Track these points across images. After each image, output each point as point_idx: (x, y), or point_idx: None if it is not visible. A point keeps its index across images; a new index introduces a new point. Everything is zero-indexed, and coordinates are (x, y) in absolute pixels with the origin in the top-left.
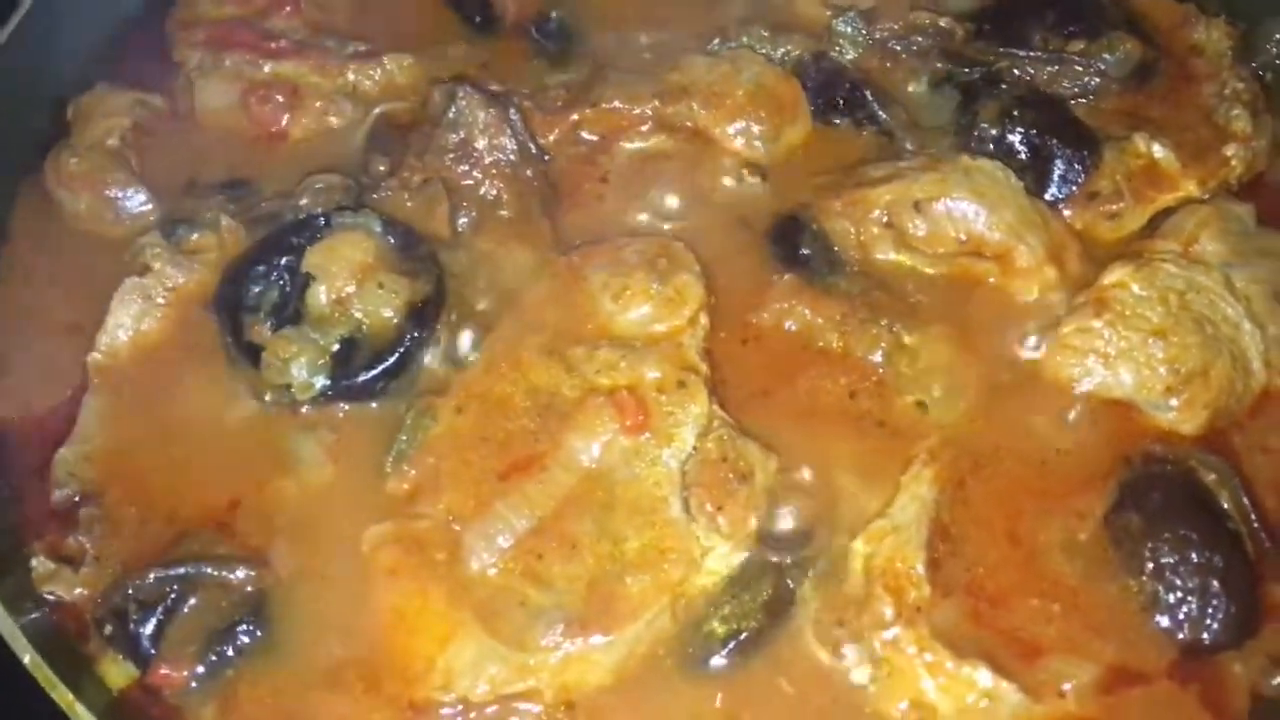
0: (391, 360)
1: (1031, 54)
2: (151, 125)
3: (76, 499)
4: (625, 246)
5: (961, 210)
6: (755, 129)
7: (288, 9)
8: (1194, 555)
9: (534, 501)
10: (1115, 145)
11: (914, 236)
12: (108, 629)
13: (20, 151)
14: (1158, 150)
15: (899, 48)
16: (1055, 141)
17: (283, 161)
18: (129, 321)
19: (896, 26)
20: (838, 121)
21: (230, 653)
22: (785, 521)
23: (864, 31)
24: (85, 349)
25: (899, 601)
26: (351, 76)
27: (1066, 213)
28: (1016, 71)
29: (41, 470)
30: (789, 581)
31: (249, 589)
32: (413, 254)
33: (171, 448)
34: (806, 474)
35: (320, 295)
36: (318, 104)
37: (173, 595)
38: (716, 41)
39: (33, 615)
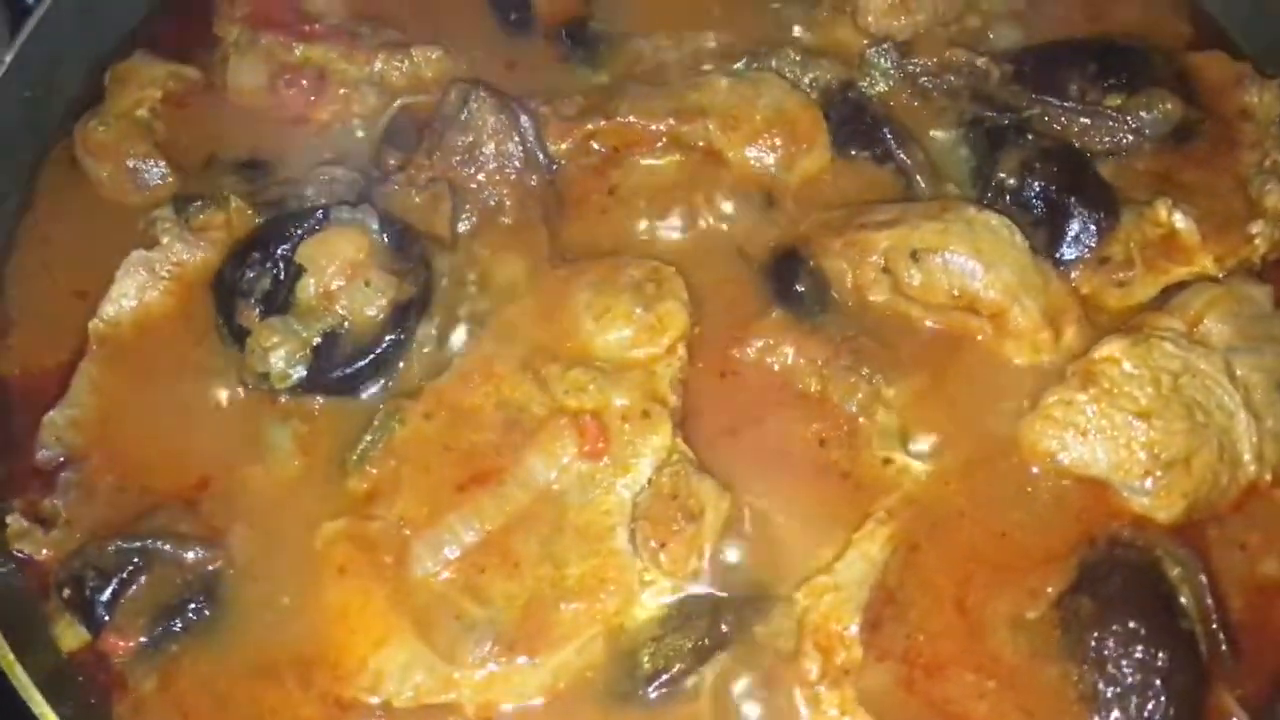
0: (367, 359)
1: (1065, 104)
2: (184, 98)
3: (60, 460)
4: (616, 266)
5: (958, 264)
6: (770, 155)
7: None
8: (1139, 650)
9: (485, 515)
10: (1135, 210)
11: (909, 285)
12: (66, 592)
13: (57, 114)
14: (1178, 220)
15: (930, 85)
16: (1073, 200)
17: (302, 145)
18: (132, 292)
19: (931, 63)
20: (857, 155)
21: (177, 628)
22: (732, 563)
23: (897, 65)
24: (89, 315)
25: (826, 661)
26: (379, 65)
27: (1074, 274)
28: (1048, 120)
29: (32, 430)
30: (724, 626)
31: (204, 570)
32: (405, 254)
33: (156, 421)
34: (761, 517)
35: (309, 287)
36: (343, 90)
37: (130, 567)
38: (743, 62)
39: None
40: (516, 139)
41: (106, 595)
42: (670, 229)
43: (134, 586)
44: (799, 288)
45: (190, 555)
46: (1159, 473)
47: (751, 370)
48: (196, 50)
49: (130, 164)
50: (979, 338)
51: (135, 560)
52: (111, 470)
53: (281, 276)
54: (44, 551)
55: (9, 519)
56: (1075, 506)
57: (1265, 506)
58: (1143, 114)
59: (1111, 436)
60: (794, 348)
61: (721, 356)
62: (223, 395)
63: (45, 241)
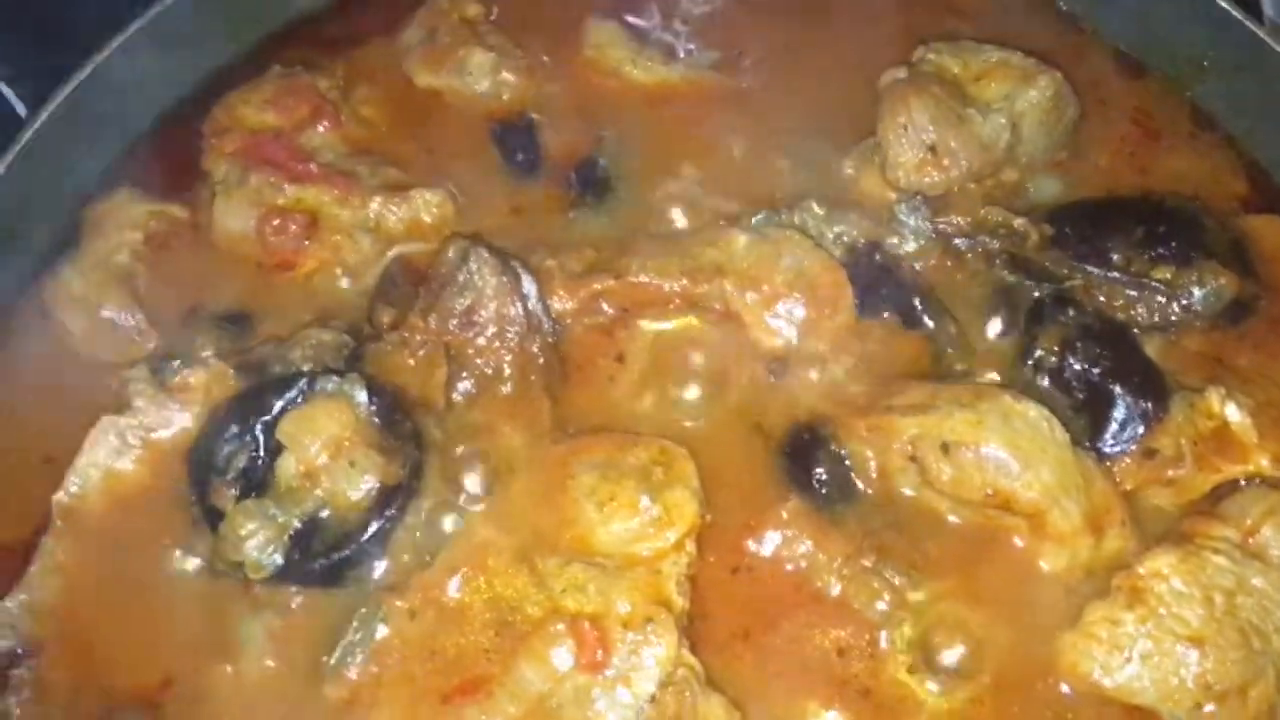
0: (350, 549)
1: (1109, 275)
2: (167, 238)
3: (19, 651)
4: (622, 446)
5: (993, 460)
6: (791, 320)
7: (326, 123)
8: None
9: None
10: (1185, 399)
11: (938, 478)
12: None
13: (28, 256)
14: (1232, 413)
15: (964, 246)
16: (1118, 386)
17: (289, 296)
18: (101, 461)
19: (965, 222)
20: (884, 321)
21: None
22: None
23: (928, 222)
24: (56, 484)
25: None
26: (375, 208)
27: (1118, 468)
28: (1091, 290)
29: None
30: None
31: None
32: (395, 430)
33: (120, 610)
34: None
35: (290, 466)
36: (335, 237)
37: None
38: (763, 215)
39: None
40: (519, 302)
41: None
42: (682, 401)
43: None
44: (819, 472)
45: None
46: (1211, 705)
47: (766, 566)
48: (182, 186)
49: (105, 315)
50: (1014, 539)
51: None
52: (69, 666)
53: (260, 453)
54: None
55: None
56: None
57: None
58: (1194, 290)
59: (1159, 663)
60: (812, 541)
61: (734, 550)
62: (191, 581)
63: (10, 400)
